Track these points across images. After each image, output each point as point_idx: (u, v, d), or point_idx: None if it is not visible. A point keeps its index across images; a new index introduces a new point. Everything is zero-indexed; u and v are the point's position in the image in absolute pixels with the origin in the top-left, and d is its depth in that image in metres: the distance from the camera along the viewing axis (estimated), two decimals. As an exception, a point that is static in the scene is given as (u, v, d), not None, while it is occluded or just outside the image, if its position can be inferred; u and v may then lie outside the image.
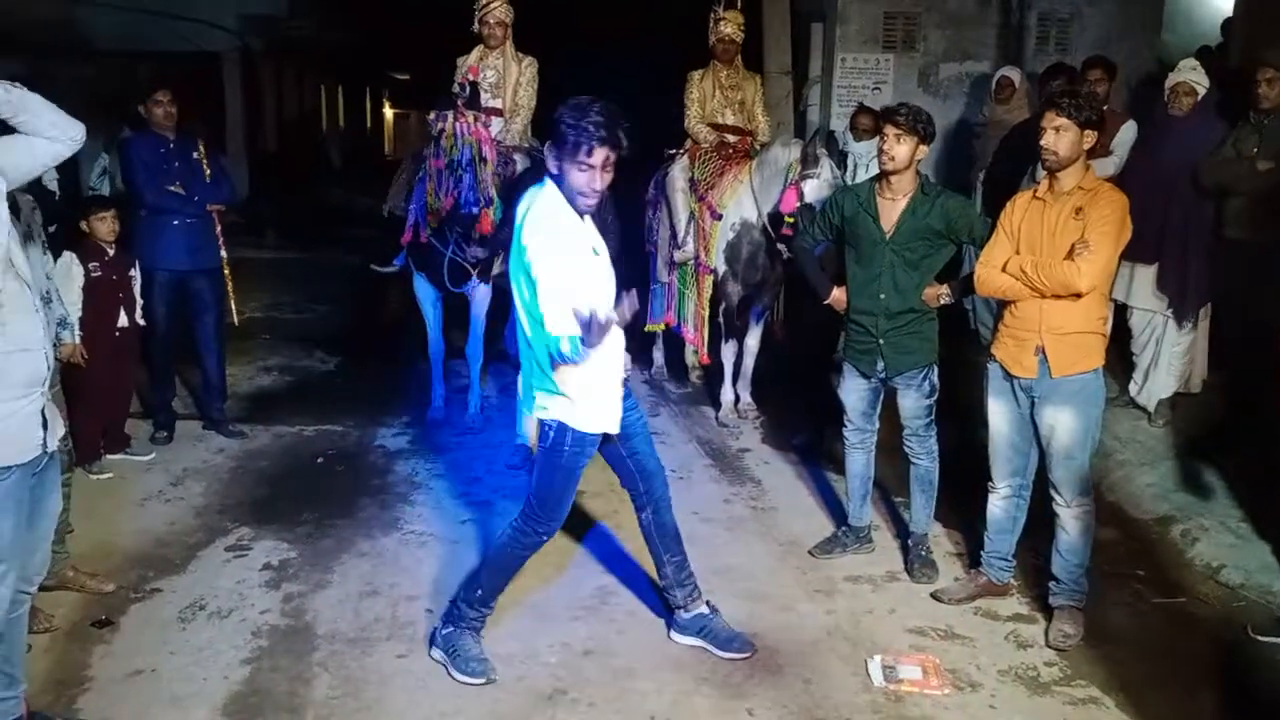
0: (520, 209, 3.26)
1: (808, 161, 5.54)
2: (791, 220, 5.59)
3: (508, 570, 3.56)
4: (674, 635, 3.73)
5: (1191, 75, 5.35)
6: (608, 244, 5.47)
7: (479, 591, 3.52)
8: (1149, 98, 6.52)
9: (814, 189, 5.46)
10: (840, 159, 6.92)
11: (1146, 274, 5.45)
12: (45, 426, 2.77)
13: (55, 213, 5.21)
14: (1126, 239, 3.64)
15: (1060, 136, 3.58)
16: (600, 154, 3.08)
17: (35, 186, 4.66)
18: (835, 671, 3.58)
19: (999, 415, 3.89)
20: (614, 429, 3.37)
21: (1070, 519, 3.80)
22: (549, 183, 3.23)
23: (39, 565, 2.99)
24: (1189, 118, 5.33)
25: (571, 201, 3.17)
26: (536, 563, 3.68)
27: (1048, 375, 3.68)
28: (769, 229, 5.95)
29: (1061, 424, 3.71)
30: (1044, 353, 3.67)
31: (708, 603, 3.75)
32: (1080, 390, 3.69)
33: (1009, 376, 3.80)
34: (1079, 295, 3.57)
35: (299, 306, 9.53)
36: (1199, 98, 5.33)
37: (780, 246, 5.87)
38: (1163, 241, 5.32)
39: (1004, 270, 3.72)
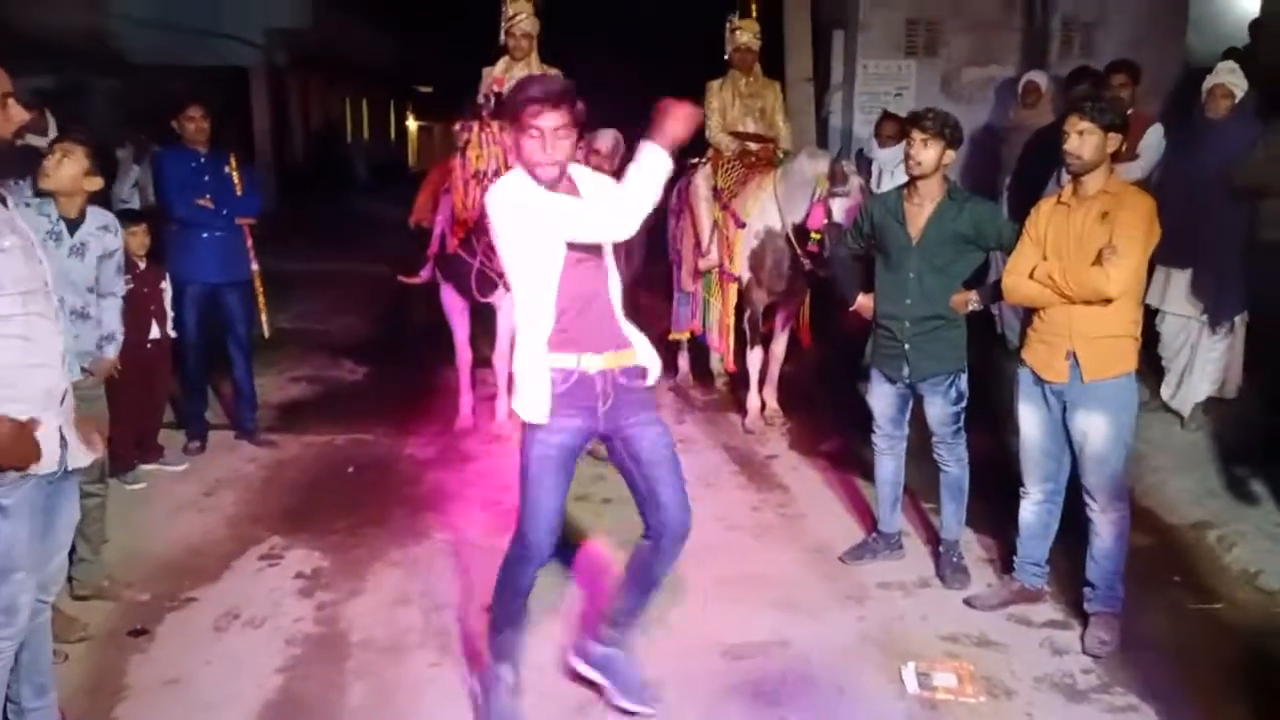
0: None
1: (836, 179, 5.52)
2: (818, 237, 5.59)
3: (507, 591, 3.26)
4: (574, 659, 3.46)
5: (1229, 78, 5.30)
6: (633, 256, 5.46)
7: (494, 617, 3.34)
8: (1181, 102, 6.47)
9: (841, 207, 5.44)
10: (865, 166, 6.92)
11: (1182, 279, 5.40)
12: (64, 445, 2.75)
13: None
14: (1154, 242, 3.61)
15: (1084, 140, 3.56)
16: (544, 115, 2.86)
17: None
18: (868, 679, 3.56)
19: (1030, 421, 3.87)
20: (540, 419, 3.04)
21: (1104, 525, 3.76)
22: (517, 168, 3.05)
23: (55, 574, 2.99)
24: (1226, 120, 5.28)
25: (532, 175, 2.95)
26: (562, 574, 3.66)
27: (1079, 380, 3.65)
28: (792, 240, 5.95)
29: (1094, 429, 3.67)
30: (1075, 357, 3.64)
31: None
32: (1113, 394, 3.66)
33: (1039, 381, 3.78)
34: (1109, 301, 3.54)
35: (327, 317, 9.61)
36: (1236, 100, 5.29)
37: (806, 263, 5.86)
38: (1198, 246, 5.27)
39: (1031, 277, 3.69)
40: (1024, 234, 3.80)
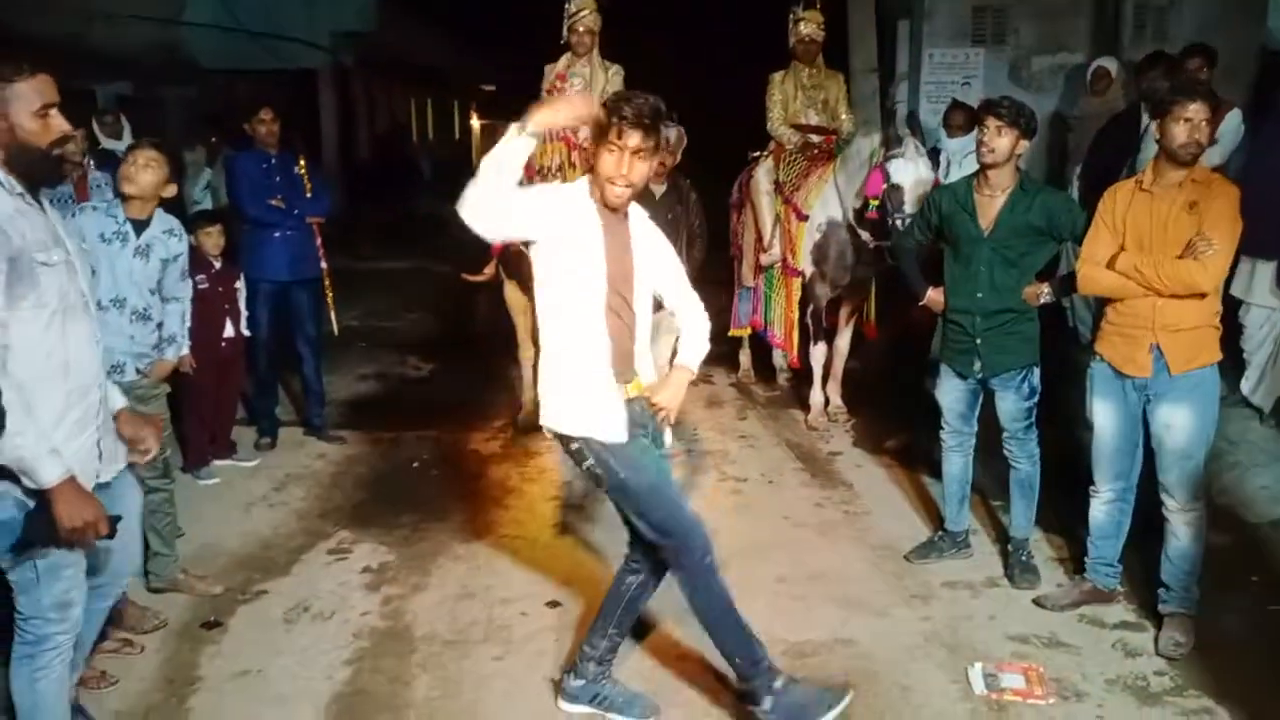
0: None
1: (890, 143, 5.47)
2: (876, 203, 5.51)
3: (715, 606, 3.14)
4: (562, 704, 3.35)
5: None
6: (694, 250, 5.43)
7: (725, 646, 3.17)
8: (1261, 87, 6.26)
9: (898, 168, 5.33)
10: (933, 155, 6.81)
11: (1267, 269, 5.21)
12: (100, 457, 2.73)
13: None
14: (1239, 232, 3.49)
15: (1198, 127, 3.41)
16: (632, 137, 2.86)
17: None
18: (933, 679, 3.51)
19: (1106, 416, 3.76)
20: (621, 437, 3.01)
21: (1182, 524, 3.65)
22: (586, 177, 3.06)
23: (119, 568, 2.99)
24: None
25: (601, 191, 2.95)
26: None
27: (1165, 373, 3.54)
28: (854, 226, 5.88)
29: (1178, 422, 3.57)
30: (1159, 349, 3.53)
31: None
32: (1198, 385, 3.55)
33: (1119, 376, 3.67)
34: (1202, 295, 3.42)
35: (393, 314, 9.76)
36: None
37: (864, 235, 5.80)
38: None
39: (1112, 267, 3.56)
40: (1098, 221, 3.67)
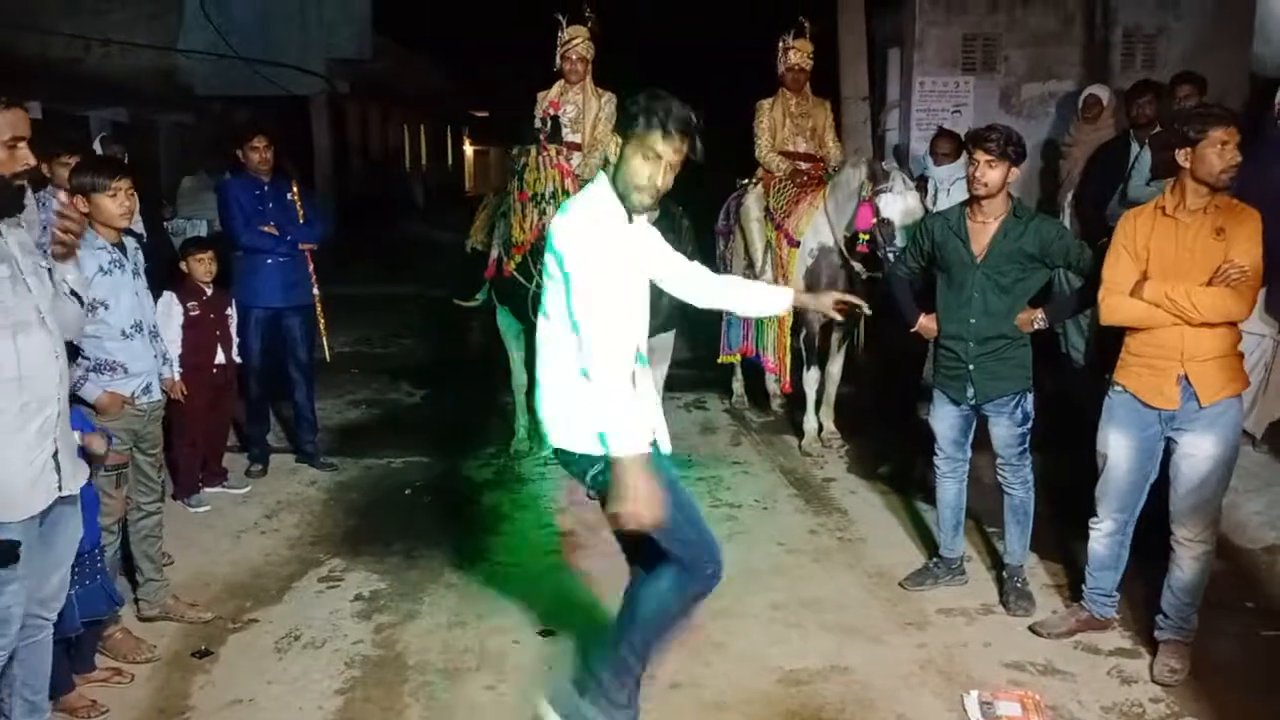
0: (559, 217, 2.92)
1: (877, 177, 5.55)
2: (866, 237, 5.58)
3: (671, 625, 3.05)
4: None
5: None
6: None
7: (643, 652, 3.06)
8: (1249, 113, 6.31)
9: (888, 203, 5.46)
10: (920, 183, 6.86)
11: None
12: (59, 470, 2.79)
13: (145, 252, 5.40)
14: (1261, 257, 3.46)
15: (1231, 150, 3.39)
16: (670, 144, 2.74)
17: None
18: (929, 706, 3.49)
19: (1122, 448, 3.68)
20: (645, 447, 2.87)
21: (1189, 557, 3.60)
22: (600, 178, 2.93)
23: (55, 591, 3.00)
24: None
25: (625, 197, 2.83)
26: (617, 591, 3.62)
27: (1194, 403, 3.48)
28: (845, 252, 5.92)
29: (1201, 451, 3.51)
30: (1188, 381, 3.47)
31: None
32: (1223, 414, 3.50)
33: (1143, 407, 3.58)
34: (1234, 323, 3.40)
35: (385, 341, 9.76)
36: None
37: (857, 266, 5.85)
38: (1275, 262, 5.10)
39: (1136, 295, 3.49)
40: (1117, 248, 3.59)
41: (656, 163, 2.76)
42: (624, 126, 2.80)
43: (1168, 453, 3.62)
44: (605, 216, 2.86)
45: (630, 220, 2.90)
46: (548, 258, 2.89)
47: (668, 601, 2.99)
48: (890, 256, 5.24)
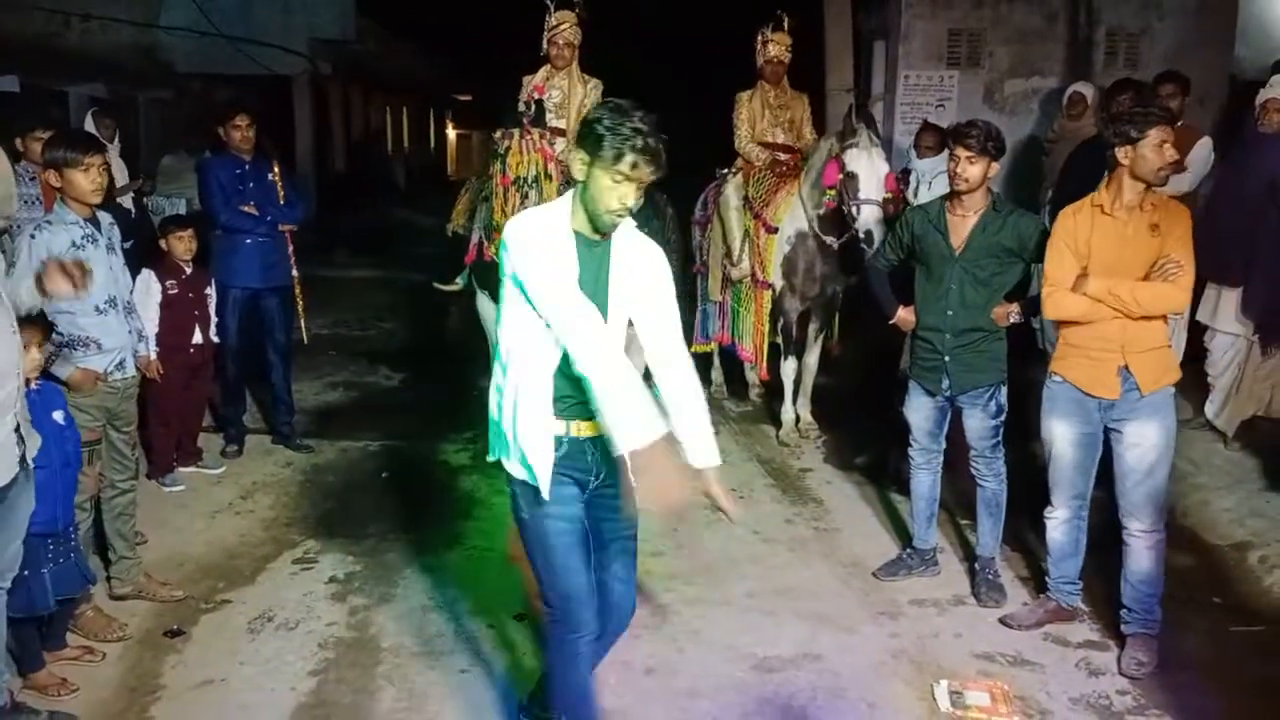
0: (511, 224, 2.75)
1: (845, 135, 5.58)
2: (832, 193, 5.63)
3: (571, 687, 2.86)
4: None
5: None
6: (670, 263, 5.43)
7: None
8: (1229, 115, 6.38)
9: (854, 157, 5.50)
10: (904, 175, 6.88)
11: (1232, 296, 5.29)
12: (20, 443, 2.85)
13: (130, 229, 5.36)
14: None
15: (1169, 148, 3.51)
16: (641, 169, 2.58)
17: (110, 204, 4.81)
18: (900, 696, 3.52)
19: (1066, 438, 3.78)
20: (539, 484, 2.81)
21: (1144, 547, 3.68)
22: (568, 197, 2.75)
23: (11, 560, 3.01)
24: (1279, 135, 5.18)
25: (594, 219, 2.67)
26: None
27: (1135, 393, 3.59)
28: (819, 234, 5.95)
29: (1147, 440, 3.61)
30: (1128, 371, 3.58)
31: None
32: (1163, 403, 3.63)
33: (1083, 396, 3.69)
34: (1165, 317, 3.51)
35: (364, 323, 9.70)
36: None
37: (828, 240, 5.88)
38: (1251, 263, 5.17)
39: (1078, 291, 3.59)
40: (1058, 244, 3.68)
41: (626, 184, 2.61)
42: (590, 147, 2.61)
43: (1112, 445, 3.70)
44: (557, 231, 2.69)
45: (601, 235, 2.73)
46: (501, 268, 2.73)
47: (552, 663, 2.92)
48: (854, 211, 5.38)
